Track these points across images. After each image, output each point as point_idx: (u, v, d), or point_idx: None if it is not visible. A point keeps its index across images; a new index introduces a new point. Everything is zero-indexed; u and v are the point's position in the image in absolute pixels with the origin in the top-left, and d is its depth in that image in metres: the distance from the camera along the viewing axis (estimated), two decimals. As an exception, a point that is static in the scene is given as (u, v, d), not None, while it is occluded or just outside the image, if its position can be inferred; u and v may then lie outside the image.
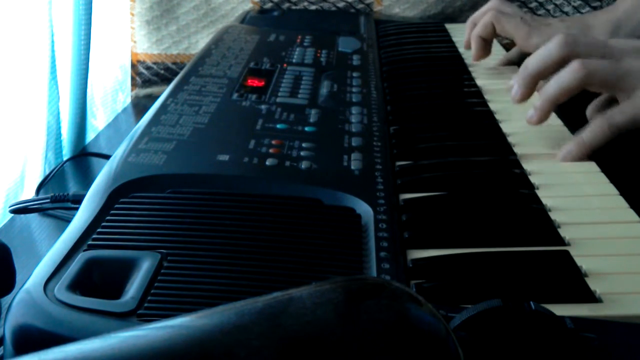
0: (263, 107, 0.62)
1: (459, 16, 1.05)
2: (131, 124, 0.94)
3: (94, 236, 0.42)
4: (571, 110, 0.59)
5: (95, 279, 0.38)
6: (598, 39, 0.59)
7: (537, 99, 0.58)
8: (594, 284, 0.40)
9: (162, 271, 0.39)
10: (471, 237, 0.45)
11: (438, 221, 0.47)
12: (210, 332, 0.24)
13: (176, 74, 0.91)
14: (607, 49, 0.58)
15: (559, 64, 0.58)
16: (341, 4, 1.05)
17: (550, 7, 1.02)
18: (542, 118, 0.58)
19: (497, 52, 0.86)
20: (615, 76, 0.56)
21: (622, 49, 0.57)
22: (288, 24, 0.95)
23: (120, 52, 1.06)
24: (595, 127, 0.55)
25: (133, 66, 1.06)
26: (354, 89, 0.68)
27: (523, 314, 0.31)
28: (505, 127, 0.62)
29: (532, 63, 0.59)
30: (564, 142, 0.58)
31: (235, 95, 0.65)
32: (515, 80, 0.60)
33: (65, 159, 0.83)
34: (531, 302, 0.32)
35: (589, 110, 0.61)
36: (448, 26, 0.96)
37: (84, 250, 0.40)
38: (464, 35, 0.91)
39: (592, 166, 0.55)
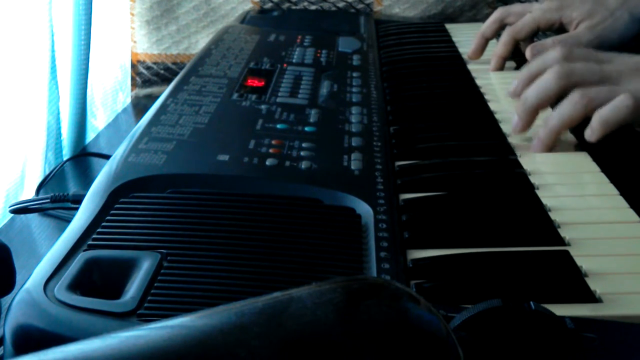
0: (263, 107, 0.62)
1: (459, 16, 1.05)
2: (131, 124, 0.94)
3: (94, 236, 0.42)
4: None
5: (95, 279, 0.38)
6: (594, 65, 0.59)
7: (541, 129, 0.58)
8: (594, 284, 0.40)
9: (162, 271, 0.39)
10: (471, 237, 0.45)
11: (438, 221, 0.47)
12: (210, 332, 0.24)
13: (176, 74, 0.91)
14: (604, 73, 0.58)
15: (558, 95, 0.58)
16: (341, 4, 1.05)
17: None
18: (548, 149, 0.58)
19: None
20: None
21: (620, 71, 0.58)
22: (288, 24, 0.95)
23: (120, 52, 1.06)
24: (621, 104, 0.54)
25: (133, 66, 1.06)
26: (354, 89, 0.68)
27: (523, 314, 0.31)
28: (505, 127, 0.62)
29: (531, 96, 0.59)
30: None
31: (235, 95, 0.65)
32: (516, 112, 0.60)
33: (65, 159, 0.83)
34: (531, 302, 0.32)
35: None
36: (448, 26, 0.96)
37: (84, 250, 0.40)
38: (464, 35, 0.91)
39: (592, 166, 0.55)
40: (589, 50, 0.64)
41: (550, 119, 0.57)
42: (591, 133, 0.56)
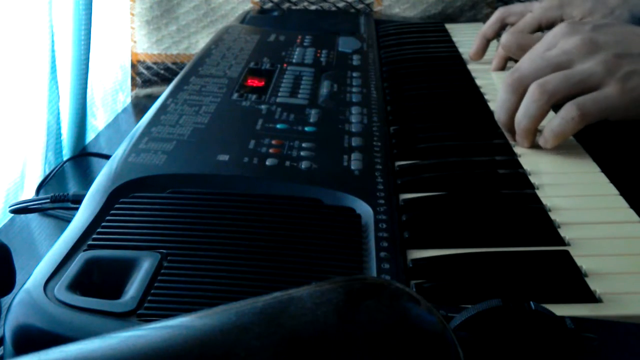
0: (263, 107, 0.62)
1: (459, 16, 1.05)
2: (131, 124, 0.94)
3: (94, 236, 0.42)
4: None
5: (95, 279, 0.38)
6: (539, 59, 0.59)
7: (516, 129, 0.58)
8: (594, 284, 0.40)
9: (162, 271, 0.39)
10: (471, 237, 0.45)
11: (438, 221, 0.47)
12: (210, 332, 0.24)
13: (176, 74, 0.91)
14: (553, 62, 0.58)
15: (520, 101, 0.58)
16: (341, 4, 1.05)
17: None
18: (531, 143, 0.58)
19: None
20: (574, 85, 0.56)
21: (567, 53, 0.58)
22: (288, 24, 0.95)
23: (120, 52, 1.06)
24: (567, 116, 0.55)
25: (133, 66, 1.06)
26: (354, 89, 0.68)
27: (523, 314, 0.31)
28: (505, 127, 0.62)
29: (500, 115, 0.60)
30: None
31: (235, 95, 0.65)
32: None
33: (65, 159, 0.83)
34: (531, 302, 0.32)
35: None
36: (448, 26, 0.96)
37: (84, 250, 0.40)
38: (464, 35, 0.91)
39: (592, 166, 0.55)
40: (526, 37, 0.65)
41: (519, 120, 0.58)
42: (544, 142, 0.57)
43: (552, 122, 0.56)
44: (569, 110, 0.55)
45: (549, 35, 0.61)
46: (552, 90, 0.56)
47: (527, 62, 0.60)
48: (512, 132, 0.59)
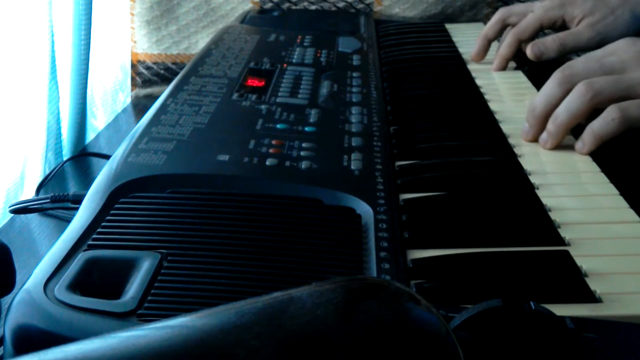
0: (263, 107, 0.62)
1: (459, 16, 1.05)
2: (131, 124, 0.94)
3: (94, 236, 0.42)
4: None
5: (95, 279, 0.38)
6: (593, 61, 0.59)
7: (550, 124, 0.58)
8: (594, 284, 0.40)
9: (162, 271, 0.39)
10: (471, 237, 0.45)
11: (438, 221, 0.47)
12: (210, 332, 0.24)
13: (176, 74, 0.91)
14: (606, 66, 0.58)
15: (564, 98, 0.58)
16: (341, 4, 1.05)
17: None
18: (556, 144, 0.58)
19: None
20: (621, 90, 0.56)
21: (623, 61, 0.58)
22: (288, 24, 0.95)
23: (120, 52, 1.06)
24: (608, 117, 0.55)
25: (133, 66, 1.06)
26: (354, 89, 0.68)
27: (523, 314, 0.31)
28: (505, 127, 0.62)
29: (539, 104, 0.59)
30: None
31: (235, 95, 0.65)
32: (526, 120, 0.60)
33: (65, 159, 0.83)
34: (531, 302, 0.32)
35: None
36: (448, 26, 0.96)
37: (84, 250, 0.40)
38: (464, 35, 0.91)
39: (592, 166, 0.55)
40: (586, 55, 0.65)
41: (558, 114, 0.57)
42: (582, 146, 0.57)
43: (594, 123, 0.56)
44: (610, 111, 0.55)
45: (611, 44, 0.61)
46: (598, 89, 0.56)
47: (581, 62, 0.60)
48: (540, 125, 0.59)
